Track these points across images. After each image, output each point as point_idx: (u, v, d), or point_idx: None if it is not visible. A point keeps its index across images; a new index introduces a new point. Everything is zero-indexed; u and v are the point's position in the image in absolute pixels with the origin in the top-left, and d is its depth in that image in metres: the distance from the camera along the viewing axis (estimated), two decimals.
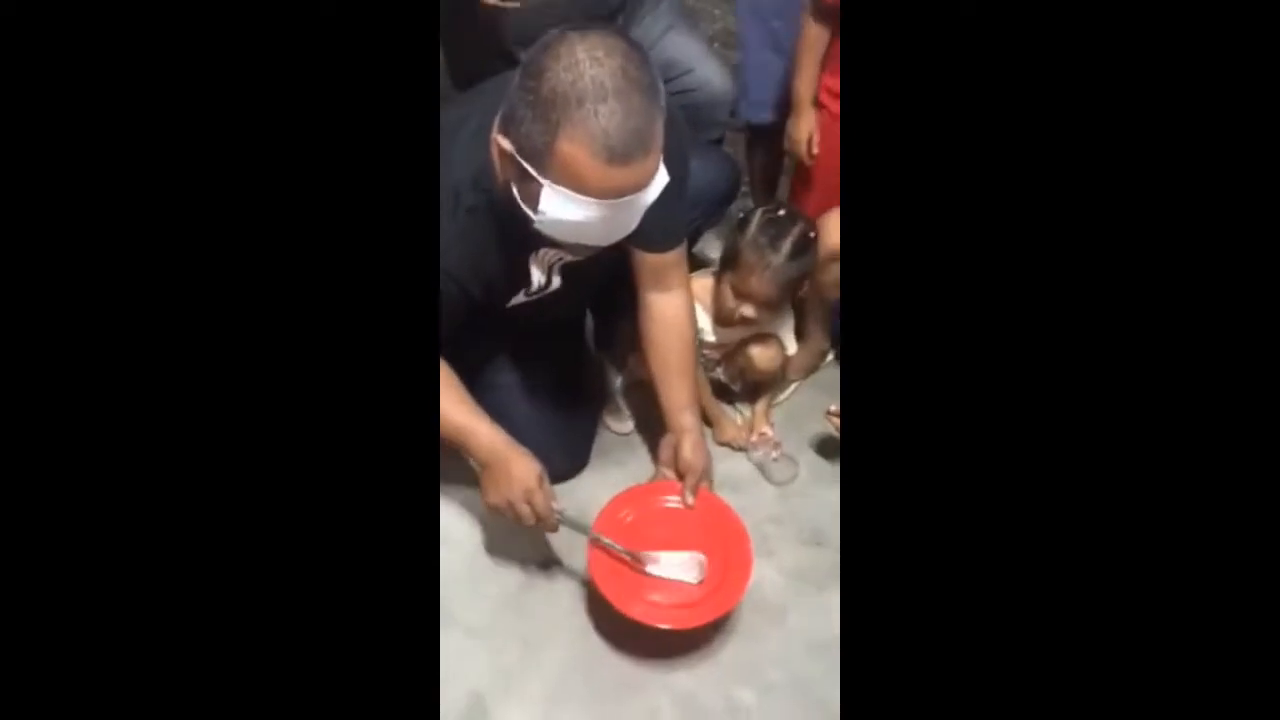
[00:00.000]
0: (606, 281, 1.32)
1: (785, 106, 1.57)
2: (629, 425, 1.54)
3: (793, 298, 1.41)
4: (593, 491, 1.43)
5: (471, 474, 1.27)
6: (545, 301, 1.25)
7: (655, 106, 0.90)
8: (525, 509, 1.15)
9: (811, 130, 1.52)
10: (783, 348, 1.45)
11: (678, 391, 1.28)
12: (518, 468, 1.15)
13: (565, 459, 1.44)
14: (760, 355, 1.42)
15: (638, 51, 0.90)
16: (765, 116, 1.63)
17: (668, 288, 1.27)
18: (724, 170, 1.49)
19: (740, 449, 1.51)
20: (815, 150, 1.54)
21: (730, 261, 1.34)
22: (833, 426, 1.40)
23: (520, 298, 1.23)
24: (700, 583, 1.21)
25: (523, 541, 1.35)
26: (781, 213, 1.35)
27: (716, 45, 2.33)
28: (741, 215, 1.40)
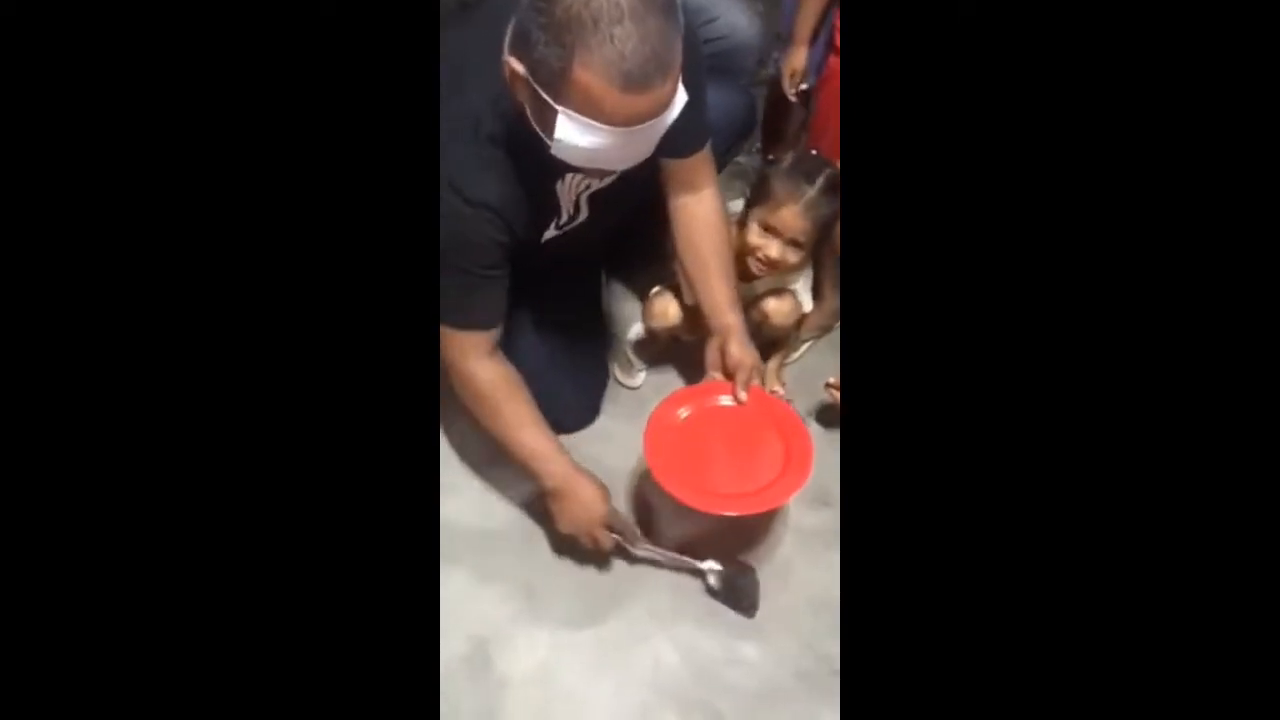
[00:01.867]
0: (630, 217, 1.29)
1: (823, 64, 1.55)
2: (640, 378, 1.54)
3: (814, 250, 1.39)
4: (602, 445, 1.43)
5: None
6: (574, 236, 1.21)
7: (673, 26, 0.86)
8: (602, 536, 1.20)
9: (798, 66, 1.52)
10: (799, 304, 1.44)
11: (718, 291, 1.24)
12: (586, 494, 1.19)
13: (577, 408, 1.44)
14: (777, 309, 1.40)
15: None
16: (810, 81, 1.61)
17: (698, 189, 1.24)
18: (740, 102, 1.45)
19: None
20: (803, 86, 1.55)
21: (760, 196, 1.32)
22: (831, 397, 1.40)
23: (552, 231, 1.19)
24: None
25: (525, 489, 1.35)
26: (815, 152, 1.33)
27: None
28: (770, 158, 1.38)
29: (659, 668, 1.20)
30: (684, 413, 1.25)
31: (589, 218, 1.21)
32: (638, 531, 1.25)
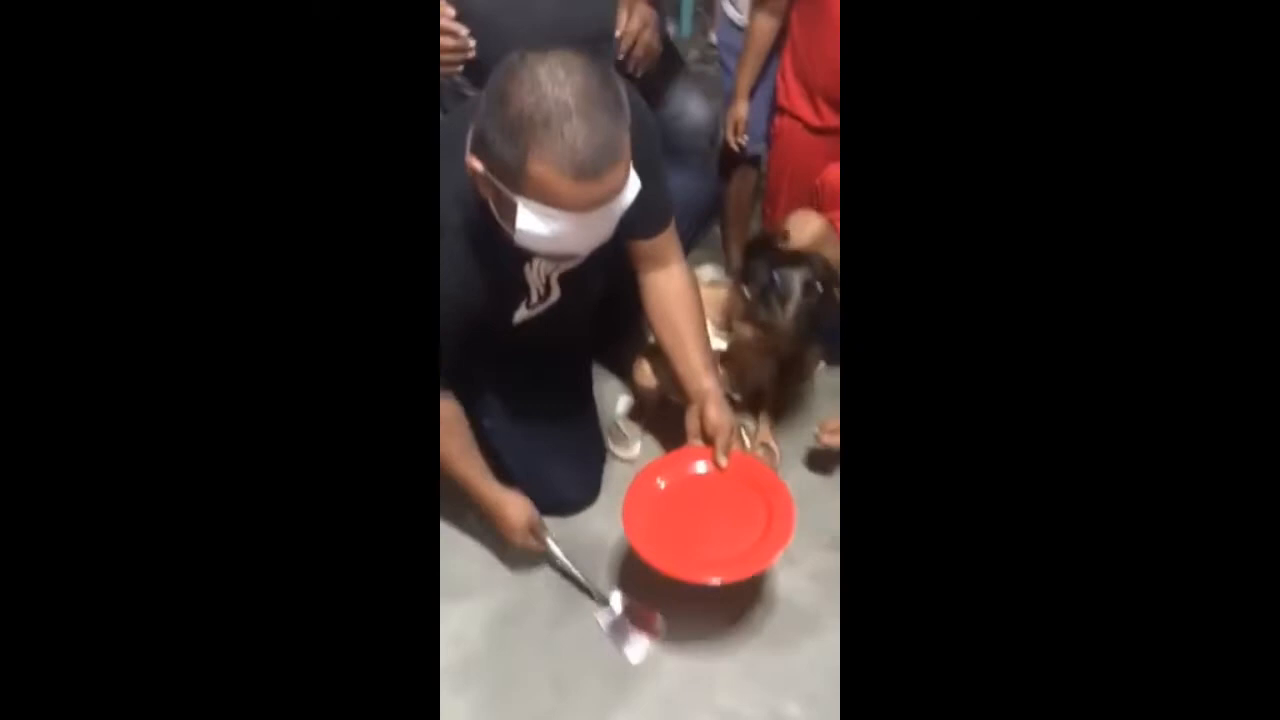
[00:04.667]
0: (607, 293, 1.32)
1: (769, 128, 1.62)
2: (635, 449, 1.53)
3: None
4: (603, 522, 1.41)
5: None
6: (549, 317, 1.25)
7: (620, 118, 0.93)
8: (532, 541, 1.29)
9: (740, 116, 1.59)
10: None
11: (693, 358, 1.27)
12: (511, 513, 1.26)
13: (577, 490, 1.42)
14: (758, 356, 1.42)
15: (598, 68, 0.92)
16: (757, 148, 1.68)
17: (666, 264, 1.28)
18: (701, 185, 1.51)
19: None
20: (742, 140, 1.61)
21: (745, 313, 1.35)
22: (821, 443, 1.41)
23: (523, 312, 1.22)
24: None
25: (543, 584, 1.32)
26: (776, 275, 1.30)
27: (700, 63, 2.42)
28: (748, 255, 1.40)
29: None
30: (662, 482, 1.26)
31: (561, 297, 1.24)
32: (550, 545, 1.30)
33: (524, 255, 1.11)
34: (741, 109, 1.59)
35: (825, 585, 1.32)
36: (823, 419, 1.44)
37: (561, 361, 1.44)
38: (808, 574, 1.34)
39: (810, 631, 1.26)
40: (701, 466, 1.27)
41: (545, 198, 0.93)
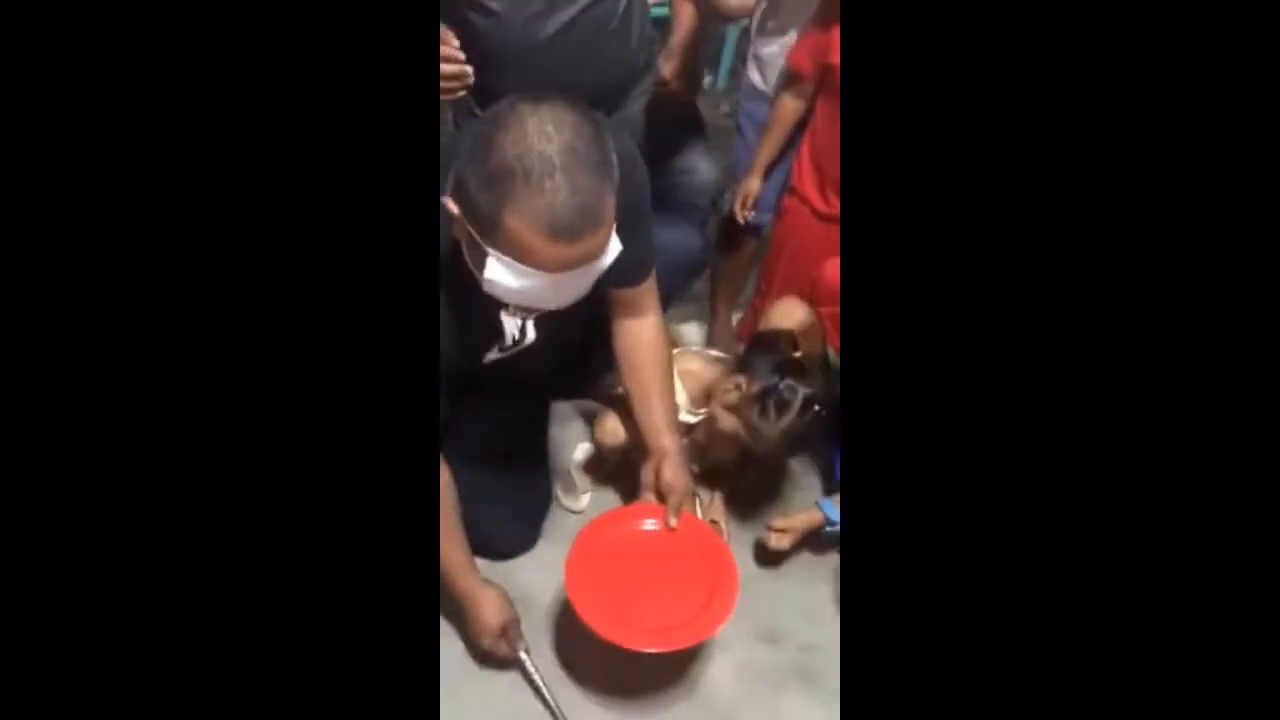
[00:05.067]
0: (582, 337, 1.29)
1: (779, 204, 1.61)
2: (584, 501, 1.49)
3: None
4: (541, 572, 1.37)
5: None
6: (520, 359, 1.21)
7: (605, 181, 0.89)
8: (499, 647, 1.21)
9: (752, 191, 1.59)
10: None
11: (657, 412, 1.25)
12: (486, 612, 1.20)
13: (515, 532, 1.39)
14: (729, 440, 1.39)
15: (590, 125, 0.89)
16: (763, 219, 1.66)
17: (641, 314, 1.25)
18: (694, 241, 1.50)
19: None
20: (749, 215, 1.61)
21: (735, 407, 1.33)
22: (770, 541, 1.36)
23: (495, 353, 1.19)
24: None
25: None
26: (782, 385, 1.26)
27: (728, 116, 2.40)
28: (753, 346, 1.37)
29: None
30: (609, 538, 1.22)
31: (537, 342, 1.20)
32: (521, 655, 1.23)
33: (499, 301, 1.08)
34: (755, 184, 1.58)
35: (749, 682, 1.28)
36: (782, 513, 1.40)
37: (523, 400, 1.41)
38: (733, 664, 1.30)
39: None
40: (651, 524, 1.24)
41: (517, 254, 0.89)
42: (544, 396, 1.50)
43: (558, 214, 0.86)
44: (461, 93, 1.27)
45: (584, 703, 1.23)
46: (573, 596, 1.14)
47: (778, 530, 1.35)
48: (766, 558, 1.44)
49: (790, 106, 1.50)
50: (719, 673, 1.28)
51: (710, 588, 1.17)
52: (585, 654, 1.27)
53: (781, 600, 1.39)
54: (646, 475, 1.26)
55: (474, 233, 0.92)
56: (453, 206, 0.93)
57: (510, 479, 1.38)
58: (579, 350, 1.36)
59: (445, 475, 1.16)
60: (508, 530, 1.37)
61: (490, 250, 0.91)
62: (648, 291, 1.25)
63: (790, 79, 1.49)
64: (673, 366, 1.30)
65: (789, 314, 1.39)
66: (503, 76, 1.30)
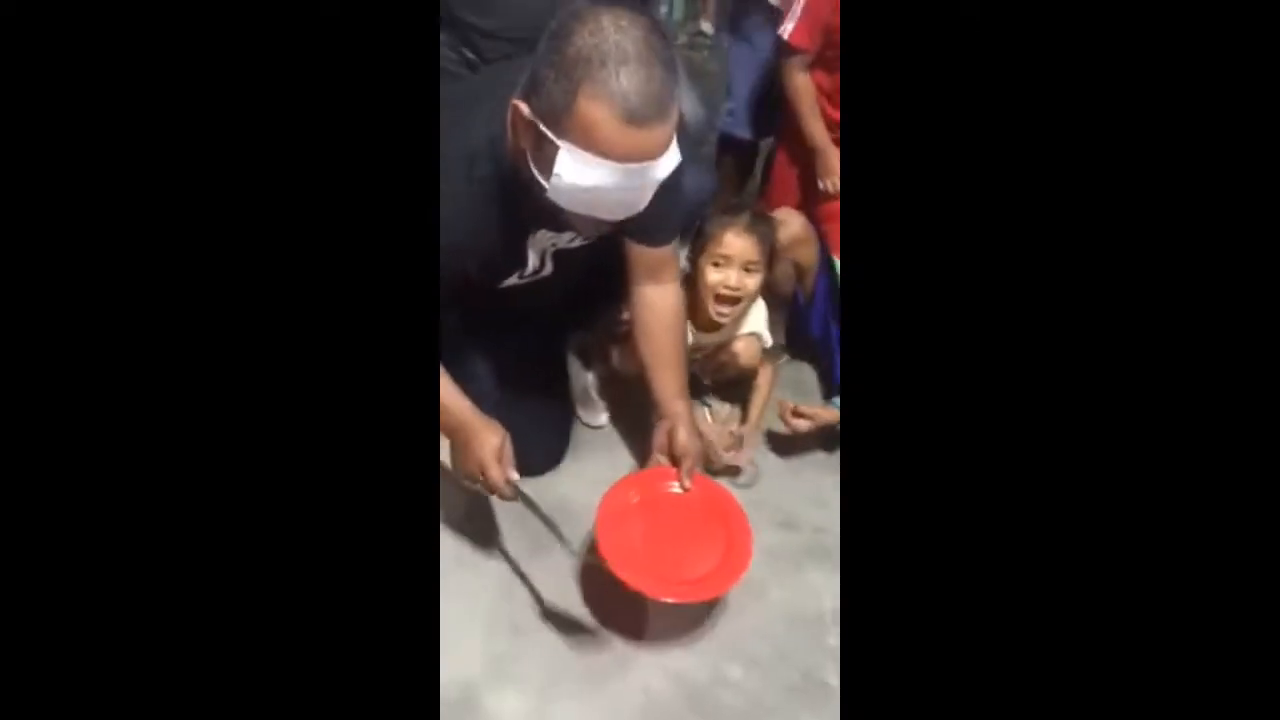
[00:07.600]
0: (590, 273, 1.35)
1: (762, 125, 1.70)
2: (603, 418, 1.58)
3: (765, 275, 1.47)
4: (571, 485, 1.46)
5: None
6: (534, 288, 1.28)
7: (674, 79, 0.93)
8: (494, 471, 1.16)
9: (834, 170, 1.70)
10: (762, 341, 1.52)
11: (670, 380, 1.32)
12: (476, 440, 1.16)
13: (542, 450, 1.46)
14: (745, 350, 1.49)
15: (660, 29, 0.94)
16: (746, 133, 1.78)
17: (661, 281, 1.32)
18: (706, 178, 1.56)
19: (717, 472, 1.50)
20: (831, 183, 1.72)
21: (701, 242, 1.42)
22: (786, 425, 1.47)
23: (514, 279, 1.25)
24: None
25: (512, 529, 1.37)
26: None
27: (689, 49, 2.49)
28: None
29: (650, 696, 1.21)
30: (635, 497, 1.30)
31: (552, 273, 1.27)
32: (512, 494, 1.20)
33: (532, 224, 1.13)
34: (832, 156, 1.70)
35: (773, 559, 1.39)
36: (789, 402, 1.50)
37: (537, 328, 1.47)
38: (760, 547, 1.38)
39: (757, 599, 1.33)
40: (675, 486, 1.31)
41: (589, 141, 0.92)
42: (558, 319, 1.56)
43: (630, 98, 0.90)
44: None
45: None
46: (604, 547, 1.21)
47: (797, 415, 1.44)
48: (782, 448, 1.55)
49: (804, 82, 1.62)
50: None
51: (726, 547, 1.25)
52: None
53: (796, 491, 1.51)
54: (659, 438, 1.32)
55: (544, 128, 0.94)
56: (524, 108, 0.96)
57: (534, 400, 1.45)
58: (582, 288, 1.42)
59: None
60: (537, 447, 1.43)
61: (561, 143, 0.94)
62: (669, 258, 1.31)
63: (789, 53, 1.60)
64: (686, 336, 1.37)
65: (785, 223, 1.46)
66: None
